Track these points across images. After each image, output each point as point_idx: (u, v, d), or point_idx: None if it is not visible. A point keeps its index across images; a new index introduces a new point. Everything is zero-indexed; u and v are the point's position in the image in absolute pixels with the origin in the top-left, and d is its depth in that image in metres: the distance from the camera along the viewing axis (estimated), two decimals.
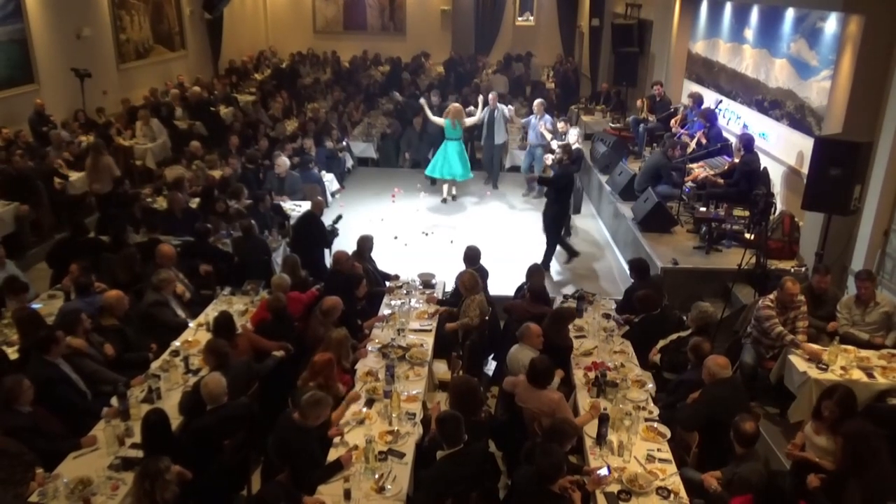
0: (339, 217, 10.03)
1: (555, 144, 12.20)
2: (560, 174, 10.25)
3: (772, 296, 6.87)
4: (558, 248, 10.37)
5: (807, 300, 6.93)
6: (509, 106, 14.07)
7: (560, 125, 12.91)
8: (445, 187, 13.20)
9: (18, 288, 7.21)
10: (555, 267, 10.02)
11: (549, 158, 11.38)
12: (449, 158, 12.72)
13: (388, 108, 17.00)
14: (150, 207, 9.80)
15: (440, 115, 13.12)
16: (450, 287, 8.28)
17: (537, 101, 13.51)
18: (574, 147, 11.39)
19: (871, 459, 4.76)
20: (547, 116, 13.30)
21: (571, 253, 10.61)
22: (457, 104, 13.26)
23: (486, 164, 14.09)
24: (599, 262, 10.74)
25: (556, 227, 10.25)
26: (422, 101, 13.78)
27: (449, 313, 7.48)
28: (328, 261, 9.47)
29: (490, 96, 13.58)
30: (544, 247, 10.19)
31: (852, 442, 4.88)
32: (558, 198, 10.10)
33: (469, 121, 13.09)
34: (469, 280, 7.40)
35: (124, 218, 9.11)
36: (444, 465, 4.97)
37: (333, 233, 9.70)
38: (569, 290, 8.63)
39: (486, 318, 7.55)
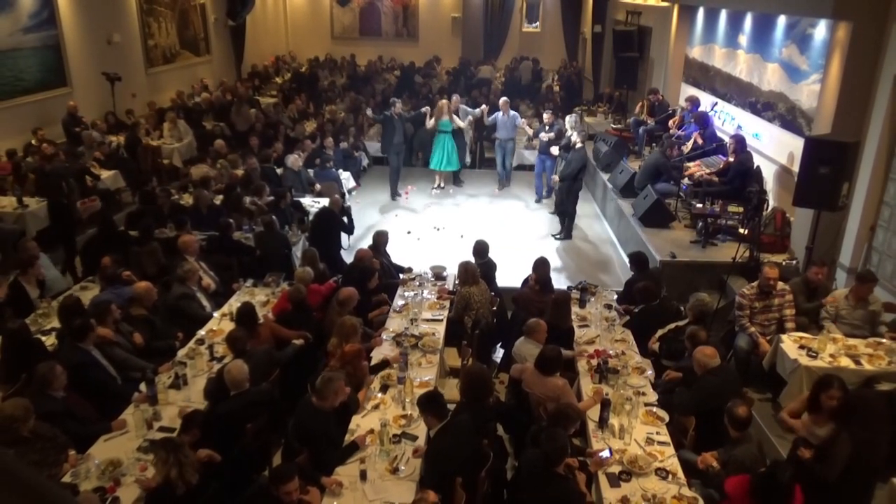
0: (349, 207, 10.25)
1: (544, 136, 12.50)
2: (575, 158, 10.79)
3: (754, 284, 6.90)
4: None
5: (801, 291, 6.91)
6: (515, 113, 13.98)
7: (546, 116, 12.84)
8: (437, 177, 13.49)
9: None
10: (557, 262, 9.97)
11: (555, 150, 11.68)
12: (444, 151, 13.00)
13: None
14: (177, 204, 9.80)
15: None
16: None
17: (502, 99, 13.56)
18: (580, 133, 11.54)
19: (867, 415, 4.77)
20: (513, 112, 13.39)
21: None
22: (443, 100, 13.38)
23: None
24: (601, 255, 10.70)
25: (575, 200, 11.04)
26: (424, 110, 13.69)
27: None
28: (344, 254, 9.49)
29: (454, 97, 13.94)
30: (566, 222, 11.19)
31: (853, 400, 4.92)
32: (576, 178, 10.86)
33: (457, 121, 13.10)
34: (461, 272, 7.33)
35: (152, 214, 9.10)
36: (436, 440, 4.97)
37: (348, 212, 9.85)
38: (572, 281, 8.59)
39: (494, 307, 7.53)
